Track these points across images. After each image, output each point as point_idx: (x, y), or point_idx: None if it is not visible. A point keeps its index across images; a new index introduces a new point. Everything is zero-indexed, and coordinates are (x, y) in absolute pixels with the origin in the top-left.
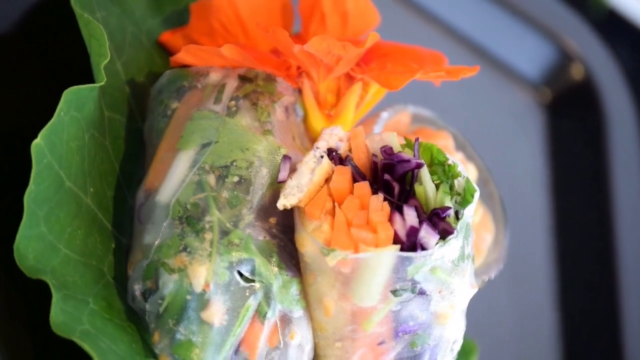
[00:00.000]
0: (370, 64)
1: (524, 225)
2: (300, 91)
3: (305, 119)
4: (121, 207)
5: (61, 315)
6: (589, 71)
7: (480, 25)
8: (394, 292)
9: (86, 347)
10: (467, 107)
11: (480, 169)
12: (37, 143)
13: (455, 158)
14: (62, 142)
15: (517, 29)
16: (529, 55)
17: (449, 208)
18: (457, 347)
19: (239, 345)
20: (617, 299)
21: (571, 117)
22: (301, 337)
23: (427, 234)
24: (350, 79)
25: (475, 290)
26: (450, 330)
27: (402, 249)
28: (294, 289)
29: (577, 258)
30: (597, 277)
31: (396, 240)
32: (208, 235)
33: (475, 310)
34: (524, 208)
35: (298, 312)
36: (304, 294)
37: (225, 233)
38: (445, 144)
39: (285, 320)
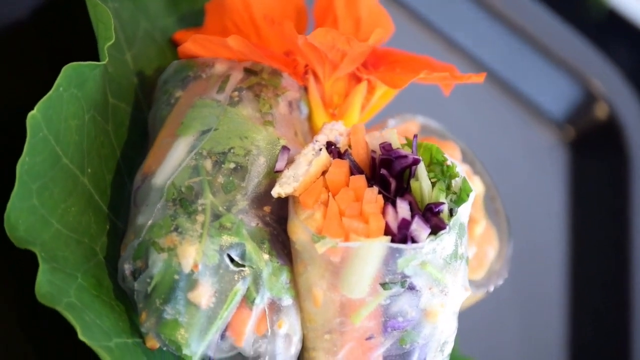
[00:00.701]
0: (380, 68)
1: (540, 261)
2: (306, 89)
3: (309, 117)
4: (120, 192)
5: (47, 286)
6: (614, 111)
7: (506, 60)
8: (384, 285)
9: (69, 317)
10: (491, 140)
11: (487, 185)
12: (33, 115)
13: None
14: (61, 118)
15: (542, 67)
16: (554, 93)
17: (443, 203)
18: (448, 348)
19: (225, 330)
20: (631, 339)
21: (594, 156)
22: (289, 326)
23: (418, 227)
24: (357, 81)
25: (469, 293)
26: (441, 330)
27: (393, 241)
28: (284, 277)
29: (592, 295)
30: (611, 315)
31: (388, 232)
32: (200, 217)
33: (485, 336)
34: (541, 244)
35: (287, 300)
36: (294, 283)
37: (217, 216)
38: (451, 154)
39: (274, 308)
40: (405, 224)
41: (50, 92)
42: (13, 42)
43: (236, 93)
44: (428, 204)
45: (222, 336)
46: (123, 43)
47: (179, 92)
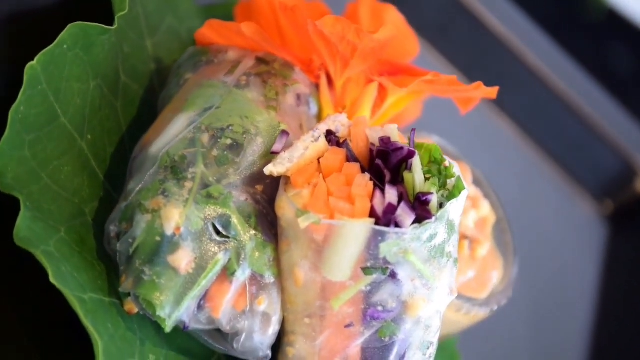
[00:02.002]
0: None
1: (566, 330)
2: (317, 87)
3: (319, 116)
4: (121, 166)
5: (26, 232)
6: None
7: (550, 129)
8: (365, 270)
9: (44, 262)
10: (529, 205)
11: (499, 218)
12: (33, 65)
13: (470, 190)
14: (62, 77)
15: (584, 138)
16: (595, 166)
17: (431, 193)
18: (432, 351)
19: (203, 301)
20: None
21: (632, 230)
22: (269, 304)
23: (403, 213)
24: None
25: (454, 296)
26: (423, 328)
27: (377, 224)
28: (268, 254)
29: None
30: None
31: (373, 215)
32: (188, 184)
33: None
34: (570, 315)
35: (269, 278)
36: (278, 262)
37: (206, 185)
38: (463, 175)
39: (255, 284)
40: (391, 209)
41: (52, 46)
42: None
43: (244, 77)
44: (417, 193)
45: (200, 306)
46: (144, 29)
47: (189, 75)
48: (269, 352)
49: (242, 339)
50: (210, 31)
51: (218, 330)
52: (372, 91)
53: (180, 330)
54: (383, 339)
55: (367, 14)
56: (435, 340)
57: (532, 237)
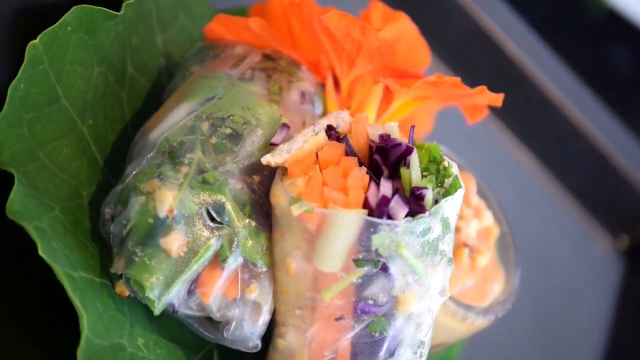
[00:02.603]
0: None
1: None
2: (323, 86)
3: (323, 116)
4: (122, 154)
5: (19, 206)
6: None
7: (566, 161)
8: (357, 262)
9: (34, 236)
10: (541, 238)
11: (503, 232)
12: (35, 44)
13: (474, 200)
14: (65, 59)
15: (600, 172)
16: (611, 200)
17: (426, 188)
18: (423, 351)
19: (194, 286)
20: None
21: None
22: (260, 292)
23: (397, 205)
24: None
25: (447, 296)
26: (415, 326)
27: (370, 216)
28: (262, 243)
29: None
30: None
31: (367, 207)
32: (184, 169)
33: None
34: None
35: (261, 267)
36: (271, 252)
37: (202, 171)
38: (466, 185)
39: (247, 272)
40: (384, 201)
41: (56, 26)
42: None
43: (249, 71)
44: (412, 187)
45: (191, 291)
46: (155, 25)
47: (195, 67)
48: (259, 342)
49: (232, 328)
50: (219, 26)
51: (209, 319)
52: (378, 92)
53: (172, 319)
54: (373, 333)
55: (378, 21)
56: (426, 339)
57: (545, 269)
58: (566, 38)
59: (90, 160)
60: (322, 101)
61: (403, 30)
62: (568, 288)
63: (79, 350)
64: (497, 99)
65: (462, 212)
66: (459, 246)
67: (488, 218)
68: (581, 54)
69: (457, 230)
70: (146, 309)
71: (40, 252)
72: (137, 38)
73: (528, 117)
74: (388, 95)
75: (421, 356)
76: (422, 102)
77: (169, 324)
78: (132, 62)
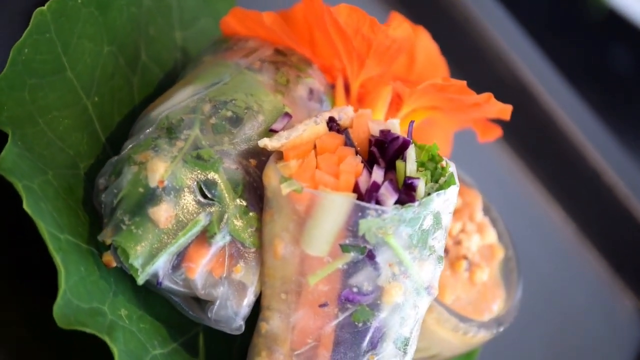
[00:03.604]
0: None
1: None
2: (333, 87)
3: None
4: (125, 135)
5: (11, 164)
6: None
7: (595, 214)
8: (343, 247)
9: (21, 190)
10: (561, 291)
11: (508, 256)
12: (42, 11)
13: (478, 216)
14: (74, 32)
15: (626, 229)
16: (635, 258)
17: (418, 178)
18: (409, 349)
19: (180, 261)
20: None
21: None
22: (245, 273)
23: (386, 192)
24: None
25: (435, 295)
26: (398, 321)
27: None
28: (251, 223)
29: None
30: None
31: (357, 192)
32: (180, 144)
33: None
34: None
35: (249, 247)
36: (260, 234)
37: (197, 147)
38: (471, 200)
39: (235, 251)
40: (375, 187)
41: None
42: None
43: (258, 62)
44: (405, 177)
45: (177, 265)
46: (176, 21)
47: (208, 57)
48: (242, 324)
49: (215, 307)
50: (235, 20)
51: (195, 299)
52: (387, 95)
53: (161, 297)
54: (357, 323)
55: None
56: (411, 337)
57: (564, 325)
58: (566, 38)
59: (91, 135)
60: (331, 102)
61: (421, 45)
62: (585, 344)
63: (55, 306)
64: (506, 110)
65: (464, 226)
66: (458, 257)
67: (492, 236)
68: (581, 54)
69: (458, 242)
70: (133, 283)
71: (25, 207)
72: (155, 29)
73: (556, 166)
74: (398, 102)
75: (405, 353)
76: (432, 112)
77: (157, 303)
78: (146, 50)
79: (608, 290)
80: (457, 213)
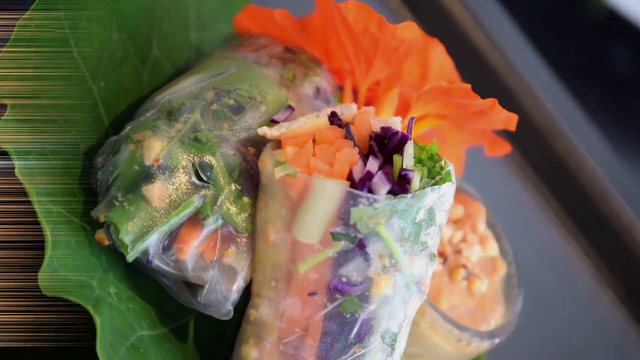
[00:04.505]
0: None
1: None
2: (341, 89)
3: None
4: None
5: (6, 132)
6: None
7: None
8: (334, 235)
9: (14, 156)
10: (565, 314)
11: (510, 274)
12: None
13: (481, 228)
14: (83, 14)
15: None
16: None
17: (412, 171)
18: (396, 345)
19: (171, 241)
20: None
21: None
22: (236, 257)
23: (379, 182)
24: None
25: (425, 295)
26: (387, 315)
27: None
28: (245, 209)
29: None
30: None
31: (350, 180)
32: (179, 126)
33: None
34: None
35: (241, 232)
36: (253, 220)
37: (196, 130)
38: (474, 212)
39: (227, 235)
40: (368, 176)
41: None
42: None
43: (267, 57)
44: (400, 169)
45: (168, 245)
46: (192, 20)
47: (217, 52)
48: (231, 309)
49: (205, 291)
50: (247, 17)
51: (187, 284)
52: (394, 98)
53: (152, 281)
54: (345, 314)
55: None
56: (399, 333)
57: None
58: (566, 39)
59: (95, 119)
60: (338, 103)
61: (435, 57)
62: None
63: (40, 273)
64: (511, 120)
65: (465, 236)
66: (457, 265)
67: (493, 249)
68: (581, 54)
69: (458, 251)
70: (125, 264)
71: (17, 173)
72: (169, 25)
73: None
74: (405, 108)
75: (393, 349)
76: (438, 121)
77: (149, 287)
78: (159, 44)
79: (613, 320)
80: (459, 222)
